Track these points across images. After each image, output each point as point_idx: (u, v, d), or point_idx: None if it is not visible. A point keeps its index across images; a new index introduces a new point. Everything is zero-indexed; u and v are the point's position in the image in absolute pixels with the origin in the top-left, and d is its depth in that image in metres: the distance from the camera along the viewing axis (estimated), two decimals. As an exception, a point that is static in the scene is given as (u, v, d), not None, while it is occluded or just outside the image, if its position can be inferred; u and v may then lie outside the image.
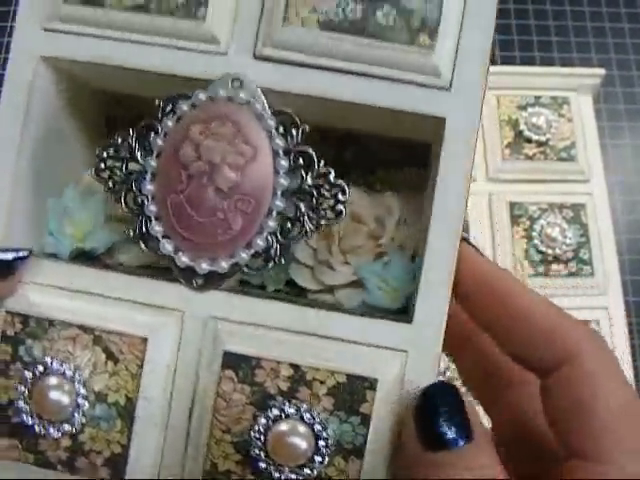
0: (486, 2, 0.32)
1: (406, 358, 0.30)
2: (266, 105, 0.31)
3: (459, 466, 0.27)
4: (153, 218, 0.32)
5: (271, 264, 0.31)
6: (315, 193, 0.31)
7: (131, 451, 0.31)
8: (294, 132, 0.31)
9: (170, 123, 0.31)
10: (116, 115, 0.39)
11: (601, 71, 0.72)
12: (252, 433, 0.30)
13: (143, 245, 0.32)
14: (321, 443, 0.29)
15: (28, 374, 0.31)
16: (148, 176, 0.32)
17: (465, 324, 0.33)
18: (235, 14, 0.33)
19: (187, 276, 0.32)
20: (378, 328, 0.31)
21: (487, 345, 0.34)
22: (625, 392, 0.29)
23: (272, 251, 0.31)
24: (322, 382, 0.31)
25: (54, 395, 0.30)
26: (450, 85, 0.32)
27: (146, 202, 0.31)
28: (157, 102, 0.32)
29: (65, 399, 0.30)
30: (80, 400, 0.31)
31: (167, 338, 0.32)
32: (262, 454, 0.30)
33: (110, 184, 0.32)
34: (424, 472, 0.27)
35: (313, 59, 0.32)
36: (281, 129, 0.31)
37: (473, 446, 0.27)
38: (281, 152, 0.31)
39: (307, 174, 0.31)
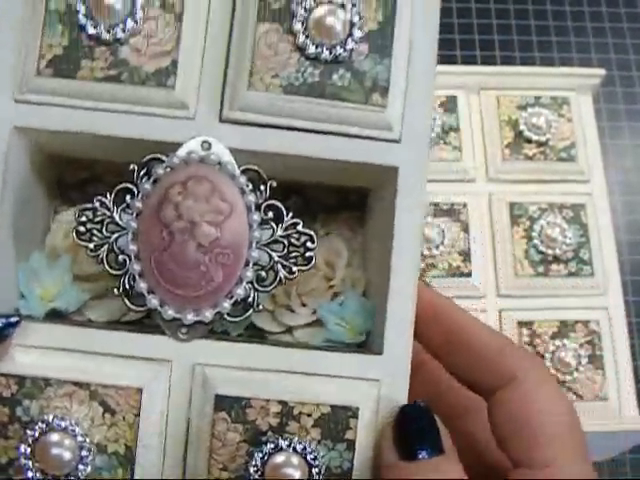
0: (427, 64, 0.36)
1: (380, 386, 0.33)
2: (235, 165, 0.34)
3: (431, 474, 0.30)
4: (137, 275, 0.33)
5: (250, 311, 0.34)
6: (286, 243, 0.34)
7: None
8: (262, 188, 0.34)
9: (147, 186, 0.33)
10: (66, 178, 0.40)
11: (601, 71, 0.72)
12: (249, 468, 0.32)
13: (127, 301, 0.34)
14: (315, 471, 0.32)
15: (30, 432, 0.32)
16: (130, 236, 0.34)
17: (417, 354, 0.36)
18: (200, 82, 0.36)
19: (172, 327, 0.34)
20: (353, 362, 0.34)
21: (439, 374, 0.37)
22: (563, 404, 0.33)
23: (250, 299, 0.34)
24: (309, 415, 0.33)
25: (56, 451, 0.32)
26: (400, 138, 0.35)
27: (129, 261, 0.34)
28: (132, 167, 0.34)
29: (67, 454, 0.32)
30: (83, 453, 0.32)
31: (159, 387, 0.34)
32: None
33: (91, 246, 0.34)
34: (399, 478, 0.31)
35: (277, 120, 0.35)
36: (251, 186, 0.34)
37: (444, 458, 0.31)
38: (253, 207, 0.34)
39: (277, 226, 0.34)
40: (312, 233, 0.34)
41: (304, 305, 0.39)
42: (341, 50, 0.35)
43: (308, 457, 0.32)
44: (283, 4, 0.35)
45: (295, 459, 0.32)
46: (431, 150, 0.68)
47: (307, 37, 0.35)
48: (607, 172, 0.70)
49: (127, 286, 0.34)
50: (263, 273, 0.34)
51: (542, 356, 0.61)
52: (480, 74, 0.72)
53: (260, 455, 0.32)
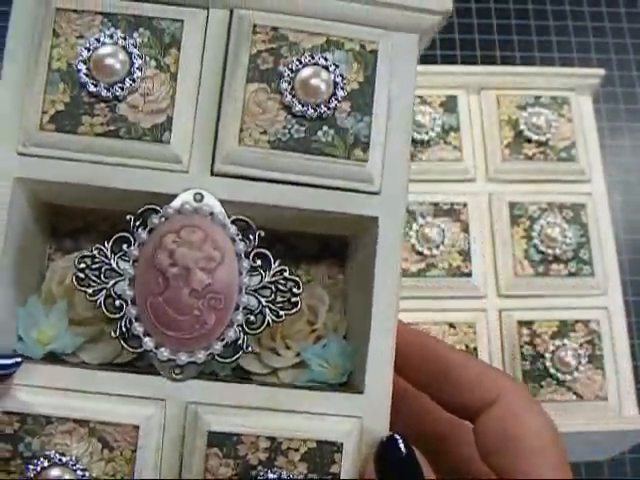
0: (405, 120, 0.39)
1: (362, 423, 0.36)
2: (226, 215, 0.37)
3: None
4: (134, 319, 0.36)
5: (240, 353, 0.36)
6: (274, 288, 0.37)
7: None
8: (251, 237, 0.37)
9: (143, 234, 0.36)
10: (60, 226, 0.43)
11: (601, 71, 0.72)
12: None
13: (123, 343, 0.36)
14: None
15: (32, 467, 0.34)
16: (127, 282, 0.36)
17: (399, 384, 0.38)
18: (193, 137, 0.38)
19: (167, 368, 0.36)
20: (336, 400, 0.36)
21: (421, 401, 0.40)
22: (545, 421, 0.36)
23: (240, 341, 0.36)
24: (296, 450, 0.36)
25: None
26: (380, 190, 0.38)
27: (126, 305, 0.36)
28: (128, 217, 0.36)
29: None
30: None
31: (154, 424, 0.36)
32: None
33: (90, 291, 0.36)
34: None
35: (265, 174, 0.38)
36: (241, 235, 0.36)
37: None
38: (243, 255, 0.36)
39: (265, 272, 0.37)
40: (298, 279, 0.37)
41: (288, 348, 0.41)
42: (325, 108, 0.38)
43: None
44: (271, 66, 0.38)
45: None
46: (431, 150, 0.68)
47: (293, 96, 0.38)
48: (607, 172, 0.71)
49: (124, 329, 0.36)
50: (252, 317, 0.36)
51: (542, 356, 0.61)
52: (480, 74, 0.72)
53: None
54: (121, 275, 0.36)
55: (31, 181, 0.38)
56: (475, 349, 0.61)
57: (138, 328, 0.36)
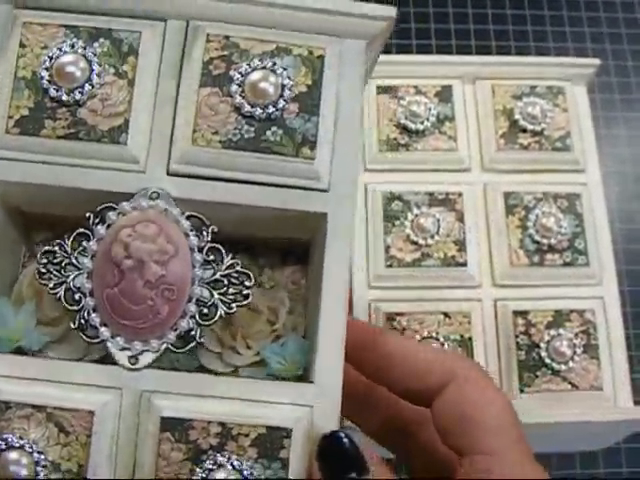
0: (353, 120, 0.42)
1: (312, 411, 0.37)
2: (180, 211, 0.39)
3: None
4: (91, 310, 0.38)
5: (193, 343, 0.38)
6: (226, 281, 0.39)
7: None
8: (205, 232, 0.39)
9: (102, 230, 0.38)
10: (33, 235, 0.47)
11: (596, 61, 0.72)
12: None
13: (82, 334, 0.38)
14: None
15: None
16: (85, 275, 0.38)
17: (359, 386, 0.42)
18: (150, 139, 0.41)
19: (123, 357, 0.38)
20: (288, 390, 0.38)
21: (388, 396, 0.41)
22: (501, 401, 0.37)
23: (193, 332, 0.38)
24: (246, 435, 0.37)
25: (14, 468, 0.36)
26: (329, 187, 0.41)
27: (84, 297, 0.38)
28: (88, 214, 0.39)
29: (24, 471, 0.36)
30: (38, 469, 0.36)
31: (110, 411, 0.38)
32: None
33: (50, 285, 0.38)
34: None
35: (217, 172, 0.40)
36: (194, 230, 0.39)
37: (369, 476, 0.34)
38: (196, 249, 0.38)
39: (218, 266, 0.39)
40: (249, 273, 0.39)
41: (249, 347, 0.44)
42: (273, 109, 0.40)
43: (245, 473, 0.36)
44: (223, 71, 0.41)
45: (233, 475, 0.36)
46: (426, 140, 0.68)
47: (243, 98, 0.40)
48: (602, 162, 0.70)
49: (82, 321, 0.38)
50: (205, 309, 0.38)
51: (537, 345, 0.61)
52: (475, 64, 0.72)
53: (201, 472, 0.36)
54: (80, 269, 0.38)
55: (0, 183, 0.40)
56: (470, 339, 0.61)
57: (95, 319, 0.38)
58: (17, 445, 0.36)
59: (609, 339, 0.62)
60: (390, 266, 0.63)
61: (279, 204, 0.41)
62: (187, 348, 0.38)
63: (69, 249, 0.39)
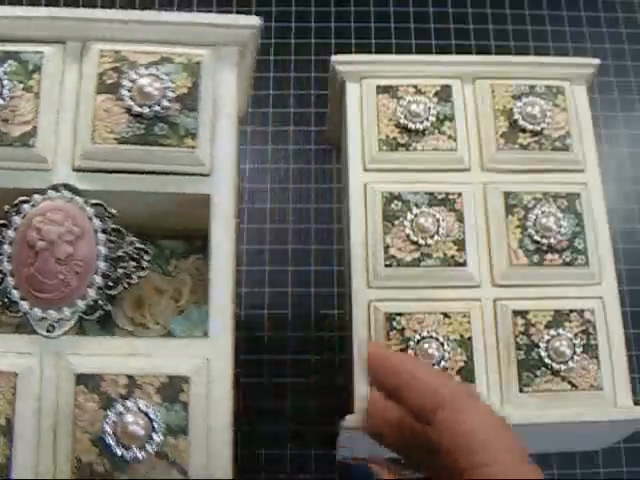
0: (229, 114, 0.50)
1: (207, 360, 0.45)
2: (83, 200, 0.47)
3: None
4: (12, 288, 0.45)
5: (100, 311, 0.46)
6: (127, 257, 0.47)
7: (13, 459, 0.43)
8: (107, 215, 0.47)
9: (18, 220, 0.46)
10: None
11: (596, 61, 0.72)
12: (105, 428, 0.43)
13: (6, 310, 0.46)
14: (156, 426, 0.43)
15: None
16: (5, 259, 0.45)
17: (382, 410, 0.49)
18: (56, 141, 0.49)
19: (42, 326, 0.45)
20: (184, 344, 0.46)
21: (411, 422, 0.46)
22: (492, 419, 0.43)
23: (100, 301, 0.46)
24: (151, 384, 0.44)
25: None
26: (210, 172, 0.49)
27: (5, 277, 0.45)
28: (6, 208, 0.46)
29: None
30: None
31: (32, 372, 0.45)
32: (114, 442, 0.42)
33: None
34: None
35: (114, 165, 0.49)
36: (98, 216, 0.46)
37: None
38: (100, 230, 0.46)
39: (120, 244, 0.47)
40: (146, 248, 0.47)
41: (157, 323, 0.52)
42: (158, 108, 0.48)
43: (151, 415, 0.43)
44: (115, 80, 0.50)
45: (140, 418, 0.43)
46: (425, 139, 0.68)
47: (133, 101, 0.49)
48: (602, 161, 0.70)
49: (5, 298, 0.45)
50: (110, 281, 0.46)
51: (537, 345, 0.61)
52: (475, 63, 0.72)
53: (112, 415, 0.43)
54: (1, 254, 0.46)
55: None
56: (470, 339, 0.61)
57: (16, 295, 0.45)
58: None
59: (609, 339, 0.62)
60: (389, 266, 0.63)
61: (168, 189, 0.49)
62: (95, 315, 0.46)
63: None
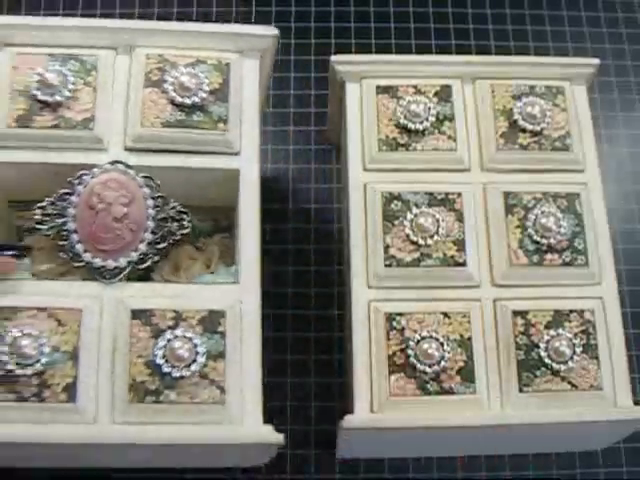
0: (252, 105, 0.63)
1: (239, 299, 0.57)
2: (135, 172, 0.58)
3: None
4: (76, 242, 0.56)
5: (149, 261, 0.57)
6: (170, 218, 0.58)
7: (79, 381, 0.52)
8: (154, 185, 0.58)
9: (80, 188, 0.57)
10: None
11: (596, 61, 0.72)
12: (156, 351, 0.52)
13: (72, 261, 0.56)
14: (199, 350, 0.53)
15: (7, 339, 0.51)
16: (70, 219, 0.56)
17: None
18: (111, 126, 0.60)
19: (100, 274, 0.56)
20: (221, 287, 0.58)
21: None
22: None
23: (150, 253, 0.57)
24: (193, 317, 0.55)
25: (27, 350, 0.51)
26: (239, 151, 0.61)
27: (70, 234, 0.56)
28: (68, 179, 0.57)
29: (33, 351, 0.51)
30: (44, 350, 0.51)
31: (94, 310, 0.55)
32: (164, 362, 0.52)
33: (45, 228, 0.56)
34: None
35: (159, 145, 0.60)
36: (147, 185, 0.58)
37: None
38: (148, 197, 0.57)
39: (164, 207, 0.58)
40: (186, 211, 0.58)
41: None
42: (197, 99, 0.60)
43: (194, 341, 0.53)
44: (159, 77, 0.61)
45: (187, 344, 0.53)
46: (426, 139, 0.68)
47: (175, 93, 0.60)
48: (601, 161, 0.70)
49: (70, 251, 0.56)
50: (157, 237, 0.57)
51: (537, 345, 0.61)
52: (475, 64, 0.72)
53: (162, 341, 0.53)
54: (66, 216, 0.56)
55: (2, 165, 0.60)
56: (469, 339, 0.61)
57: (80, 248, 0.56)
58: (28, 335, 0.51)
59: (608, 339, 0.62)
60: (389, 266, 0.63)
61: (206, 165, 0.61)
62: (145, 265, 0.57)
63: (57, 202, 0.57)
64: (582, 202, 0.66)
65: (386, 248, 0.64)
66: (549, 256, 0.64)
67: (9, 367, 0.50)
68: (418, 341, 0.60)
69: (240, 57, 0.63)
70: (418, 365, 0.60)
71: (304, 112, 0.79)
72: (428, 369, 0.59)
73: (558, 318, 0.62)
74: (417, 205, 0.65)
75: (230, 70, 0.62)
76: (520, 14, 0.97)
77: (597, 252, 0.65)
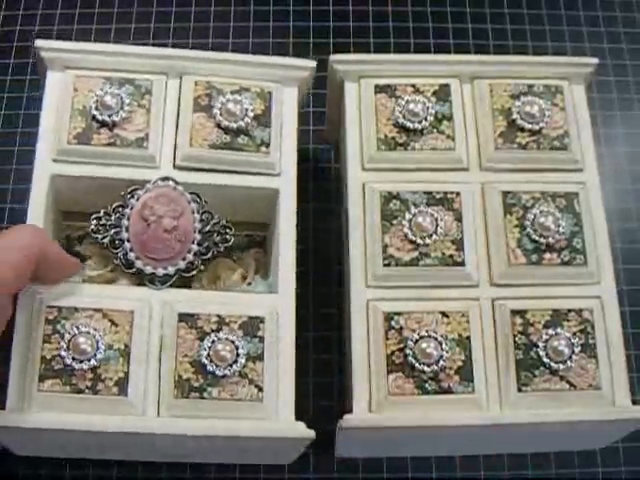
0: (291, 130, 0.68)
1: (276, 307, 0.61)
2: (183, 189, 0.63)
3: None
4: (129, 251, 0.61)
5: (196, 270, 0.62)
6: (214, 231, 0.62)
7: (130, 376, 0.57)
8: (200, 201, 0.63)
9: (134, 202, 0.61)
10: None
11: (594, 60, 0.72)
12: (201, 352, 0.57)
13: (124, 268, 0.61)
14: (240, 352, 0.57)
15: (67, 336, 0.56)
16: (124, 230, 0.61)
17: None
18: (161, 145, 0.65)
19: (151, 280, 0.61)
20: (260, 297, 0.63)
21: None
22: None
23: (196, 263, 0.62)
24: (235, 322, 0.59)
25: (83, 346, 0.56)
26: (280, 173, 0.66)
27: (123, 243, 0.61)
28: (122, 193, 0.62)
29: (89, 348, 0.56)
30: (99, 346, 0.56)
31: (144, 312, 0.59)
32: (208, 361, 0.56)
33: (100, 237, 0.61)
34: None
35: (206, 165, 0.65)
36: (194, 200, 0.63)
37: None
38: (195, 211, 0.62)
39: (210, 221, 0.62)
40: (230, 225, 0.63)
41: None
42: (241, 123, 0.65)
43: (236, 344, 0.57)
44: (207, 102, 0.66)
45: (229, 345, 0.57)
46: (424, 139, 0.68)
47: (222, 117, 0.65)
48: (600, 161, 0.70)
49: (123, 259, 0.61)
50: (202, 248, 0.62)
51: (535, 345, 0.61)
52: (473, 63, 0.72)
53: (207, 343, 0.57)
54: (119, 226, 0.61)
55: (61, 177, 0.63)
56: (468, 338, 0.61)
57: (132, 256, 0.60)
58: (85, 333, 0.56)
59: (607, 338, 0.62)
60: (388, 265, 0.63)
61: (249, 183, 0.65)
62: (191, 274, 0.61)
63: (111, 213, 0.61)
64: (581, 201, 0.66)
65: (385, 247, 0.64)
66: (548, 255, 0.64)
67: (67, 362, 0.55)
68: (416, 340, 0.60)
69: (281, 86, 0.68)
70: (416, 364, 0.60)
71: (302, 111, 0.79)
72: (427, 368, 0.59)
73: (557, 317, 0.62)
74: (415, 204, 0.65)
75: (272, 98, 0.67)
76: (518, 13, 0.97)
77: (596, 251, 0.65)
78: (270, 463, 0.75)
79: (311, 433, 0.58)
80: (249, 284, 0.67)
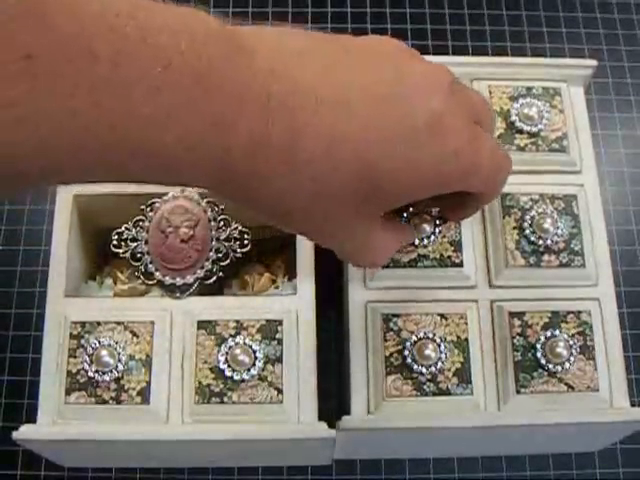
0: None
1: (296, 310, 0.61)
2: (200, 197, 0.63)
3: None
4: (148, 262, 0.62)
5: (215, 278, 0.62)
6: (232, 238, 0.62)
7: (152, 385, 0.59)
8: (217, 208, 0.63)
9: (152, 214, 0.63)
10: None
11: (593, 62, 0.72)
12: (219, 357, 0.58)
13: (143, 278, 0.62)
14: (258, 356, 0.58)
15: (90, 350, 0.58)
16: (143, 242, 0.62)
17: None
18: None
19: (170, 290, 0.62)
20: (279, 298, 0.63)
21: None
22: None
23: (214, 270, 0.62)
24: (253, 326, 0.60)
25: (105, 359, 0.57)
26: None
27: (143, 255, 0.62)
28: (141, 206, 0.63)
29: (111, 360, 0.58)
30: (121, 358, 0.58)
31: (165, 321, 0.61)
32: (226, 366, 0.57)
33: (121, 251, 0.63)
34: None
35: None
36: (210, 209, 0.63)
37: None
38: (212, 219, 0.62)
39: (227, 228, 0.62)
40: (247, 231, 0.63)
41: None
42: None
43: (254, 347, 0.58)
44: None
45: (247, 349, 0.58)
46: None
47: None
48: (599, 163, 0.70)
49: (143, 270, 0.62)
50: (221, 255, 0.62)
51: (533, 347, 0.61)
52: (472, 64, 0.72)
53: (225, 348, 0.58)
54: (139, 240, 0.62)
55: (84, 197, 0.66)
56: (466, 339, 0.61)
57: (151, 267, 0.62)
58: (107, 345, 0.58)
59: (605, 340, 0.62)
60: (386, 266, 0.63)
61: None
62: (211, 281, 0.61)
63: (131, 228, 0.63)
64: (579, 203, 0.66)
65: (383, 249, 0.63)
66: (546, 257, 0.64)
67: (90, 374, 0.57)
68: (415, 342, 0.60)
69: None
70: (415, 366, 0.60)
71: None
72: (425, 370, 0.59)
73: (555, 319, 0.62)
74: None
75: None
76: (517, 15, 0.97)
77: (594, 253, 0.65)
78: (307, 464, 0.76)
79: (332, 433, 0.58)
80: (277, 287, 0.68)
